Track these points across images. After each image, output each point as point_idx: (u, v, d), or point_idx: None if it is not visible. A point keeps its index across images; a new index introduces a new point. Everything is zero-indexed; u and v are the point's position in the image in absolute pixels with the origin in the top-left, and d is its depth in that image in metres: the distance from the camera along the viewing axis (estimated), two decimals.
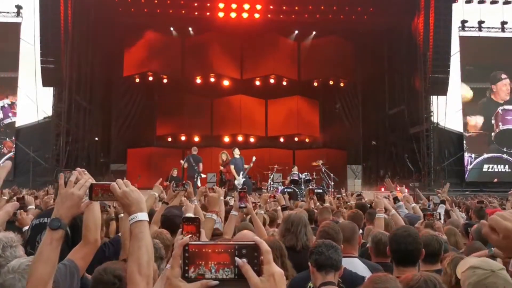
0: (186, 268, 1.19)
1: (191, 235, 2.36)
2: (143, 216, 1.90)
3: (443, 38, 18.15)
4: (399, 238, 3.28)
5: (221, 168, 15.41)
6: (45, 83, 17.39)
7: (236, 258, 1.18)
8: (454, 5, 18.98)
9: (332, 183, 15.83)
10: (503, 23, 21.06)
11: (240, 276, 1.18)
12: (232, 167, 14.93)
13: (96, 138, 21.09)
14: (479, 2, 20.12)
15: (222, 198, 6.00)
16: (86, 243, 2.55)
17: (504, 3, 20.26)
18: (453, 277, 2.79)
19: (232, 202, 6.03)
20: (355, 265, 3.52)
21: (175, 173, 15.44)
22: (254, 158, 14.93)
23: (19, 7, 19.16)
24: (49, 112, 18.17)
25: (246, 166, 15.18)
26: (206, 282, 1.18)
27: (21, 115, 18.94)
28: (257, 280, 1.17)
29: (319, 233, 3.57)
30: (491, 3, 20.18)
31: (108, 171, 21.07)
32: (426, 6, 18.32)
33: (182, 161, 15.65)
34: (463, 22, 20.78)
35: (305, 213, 4.81)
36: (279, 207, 6.34)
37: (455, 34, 19.85)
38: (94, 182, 2.03)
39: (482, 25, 20.93)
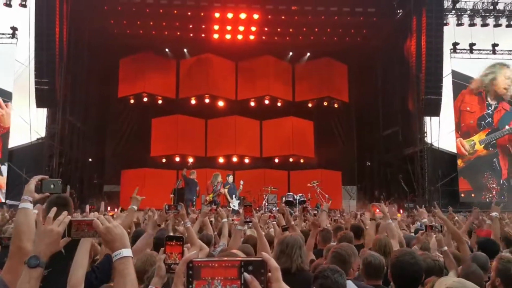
0: (190, 286, 1.14)
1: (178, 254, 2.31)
2: (128, 252, 1.85)
3: (435, 60, 18.37)
4: (406, 266, 3.21)
5: (223, 191, 15.25)
6: (39, 104, 17.36)
7: (244, 274, 1.13)
8: (445, 27, 19.28)
9: (327, 204, 15.72)
10: (494, 45, 21.38)
11: None
12: (225, 191, 15.00)
13: (90, 159, 20.98)
14: (470, 25, 20.45)
15: (225, 219, 5.97)
16: (10, 254, 2.37)
17: (495, 26, 20.60)
18: None
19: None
20: (348, 286, 3.47)
21: (180, 185, 15.42)
22: (242, 182, 15.12)
23: (14, 29, 19.24)
24: (42, 133, 18.09)
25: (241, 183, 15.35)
26: None
27: (14, 136, 18.83)
28: None
29: (331, 253, 3.52)
30: (482, 26, 20.51)
31: (102, 192, 20.92)
32: (418, 29, 18.59)
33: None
34: (455, 44, 21.07)
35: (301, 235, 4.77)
36: (272, 229, 6.25)
37: (447, 56, 20.11)
38: (73, 218, 1.97)
39: (474, 47, 21.23)
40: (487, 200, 19.30)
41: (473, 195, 19.95)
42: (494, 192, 20.09)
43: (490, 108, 20.72)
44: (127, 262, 1.84)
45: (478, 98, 20.82)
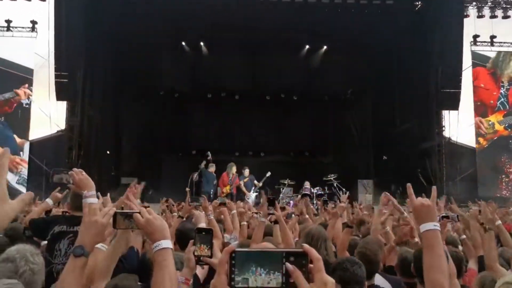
0: (233, 276, 1.17)
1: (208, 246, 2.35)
2: (167, 243, 1.89)
3: (455, 52, 18.12)
4: None
5: (241, 183, 15.31)
6: (59, 97, 17.56)
7: (287, 264, 1.16)
8: (465, 19, 18.98)
9: (345, 195, 15.68)
10: None
11: (288, 284, 1.16)
12: (242, 184, 15.09)
13: (108, 152, 21.19)
14: (491, 17, 20.10)
15: (235, 211, 6.00)
16: None
17: None
18: None
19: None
20: (375, 279, 3.48)
21: (197, 177, 15.55)
22: (268, 174, 15.06)
23: (34, 22, 19.43)
24: (62, 125, 18.31)
25: (256, 183, 15.34)
26: None
27: (34, 128, 19.09)
28: (307, 287, 1.15)
29: (356, 254, 3.51)
30: (503, 18, 20.15)
31: (119, 184, 21.10)
32: (437, 21, 18.32)
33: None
34: (475, 36, 20.74)
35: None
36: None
37: (467, 49, 19.80)
38: (117, 210, 2.05)
39: (494, 40, 20.88)
40: (503, 184, 19.24)
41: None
42: (511, 176, 19.93)
43: (503, 88, 20.50)
44: (166, 254, 1.87)
45: (492, 77, 20.60)
